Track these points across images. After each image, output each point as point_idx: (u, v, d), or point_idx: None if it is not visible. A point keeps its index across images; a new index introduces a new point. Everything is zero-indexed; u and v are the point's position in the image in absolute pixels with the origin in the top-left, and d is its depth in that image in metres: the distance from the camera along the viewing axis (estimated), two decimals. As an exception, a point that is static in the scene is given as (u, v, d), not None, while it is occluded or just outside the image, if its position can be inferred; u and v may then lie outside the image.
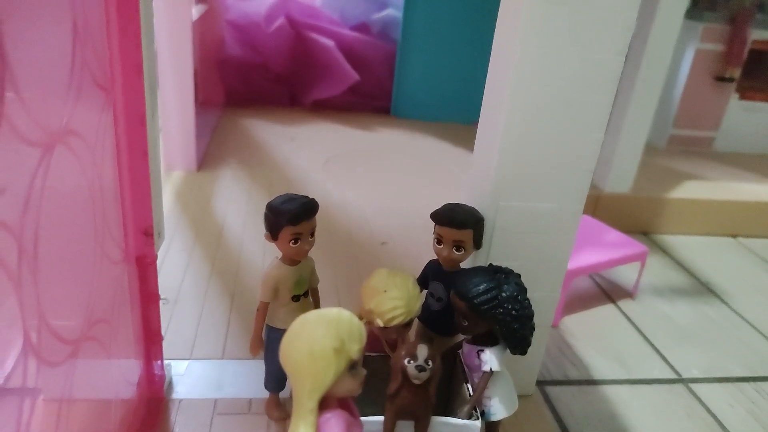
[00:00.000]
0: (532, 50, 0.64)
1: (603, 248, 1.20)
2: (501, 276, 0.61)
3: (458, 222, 0.67)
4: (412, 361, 0.56)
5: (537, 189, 0.70)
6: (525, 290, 0.61)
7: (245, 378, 0.81)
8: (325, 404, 0.50)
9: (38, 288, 0.40)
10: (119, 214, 0.60)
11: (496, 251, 0.72)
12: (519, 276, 0.62)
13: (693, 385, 1.01)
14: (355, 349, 0.49)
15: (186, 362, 0.83)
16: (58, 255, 0.45)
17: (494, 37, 0.70)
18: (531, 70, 0.65)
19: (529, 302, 0.61)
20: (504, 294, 0.59)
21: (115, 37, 0.55)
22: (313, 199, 0.65)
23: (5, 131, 0.35)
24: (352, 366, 0.49)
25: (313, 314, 0.51)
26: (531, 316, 0.61)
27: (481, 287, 0.59)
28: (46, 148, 0.41)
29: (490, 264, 0.64)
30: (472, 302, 0.59)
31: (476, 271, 0.62)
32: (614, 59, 0.66)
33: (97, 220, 0.53)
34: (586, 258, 1.14)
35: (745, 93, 1.93)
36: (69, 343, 0.47)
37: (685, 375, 1.03)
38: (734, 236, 1.64)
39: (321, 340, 0.48)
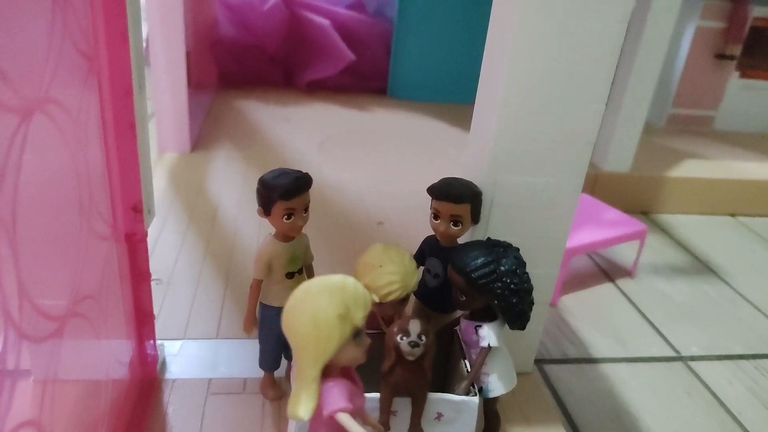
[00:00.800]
0: (531, 17, 0.62)
1: (602, 226, 1.19)
2: (500, 250, 0.59)
3: (455, 196, 0.65)
4: (404, 337, 0.54)
5: (536, 162, 0.69)
6: (524, 264, 0.59)
7: (240, 357, 0.80)
8: (327, 373, 0.49)
9: (18, 263, 0.39)
10: (106, 188, 0.58)
11: (494, 227, 0.71)
12: (518, 250, 0.61)
13: (692, 363, 1.00)
14: (359, 316, 0.48)
15: (180, 342, 0.82)
16: (40, 230, 0.43)
17: (492, 6, 0.68)
18: (530, 39, 0.63)
19: (528, 276, 0.59)
20: (502, 268, 0.58)
21: (98, 3, 0.53)
22: (306, 174, 0.64)
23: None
24: (356, 334, 0.48)
25: (316, 281, 0.50)
26: (530, 290, 0.59)
27: (479, 261, 0.58)
28: (24, 115, 0.39)
29: (489, 238, 0.63)
30: (470, 276, 0.58)
31: (474, 245, 0.61)
32: (616, 27, 0.64)
33: (82, 194, 0.51)
34: (584, 236, 1.13)
35: (745, 71, 1.91)
36: (54, 319, 0.45)
37: (684, 353, 1.02)
38: (733, 215, 1.63)
39: (325, 307, 0.47)
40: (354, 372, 0.52)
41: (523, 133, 0.67)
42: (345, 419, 0.48)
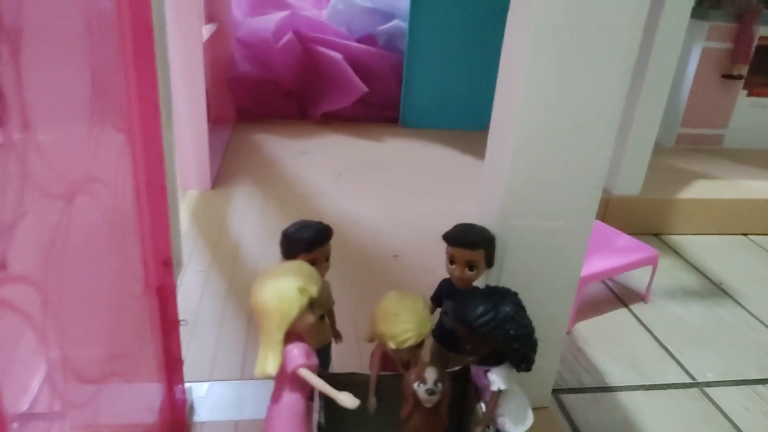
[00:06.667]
0: (538, 74, 0.65)
1: (614, 254, 1.21)
2: (497, 297, 0.62)
3: (470, 242, 0.68)
4: (422, 385, 0.57)
5: (547, 208, 0.72)
6: (523, 308, 0.62)
7: (266, 398, 0.82)
8: (287, 339, 0.60)
9: (63, 334, 0.42)
10: (139, 248, 0.62)
11: (508, 270, 0.74)
12: (516, 294, 0.63)
13: (708, 389, 1.01)
14: (314, 289, 0.61)
15: (206, 384, 0.85)
16: (82, 299, 0.47)
17: (500, 62, 0.72)
18: (537, 94, 0.66)
19: (527, 320, 0.62)
20: (501, 315, 0.60)
21: (132, 83, 0.57)
22: (327, 226, 0.67)
23: (29, 190, 0.37)
24: (311, 304, 0.60)
25: (279, 265, 0.64)
26: (530, 333, 0.62)
27: (479, 311, 0.61)
28: (68, 199, 0.43)
29: (487, 285, 0.66)
30: (471, 326, 0.61)
31: (473, 294, 0.63)
32: (620, 78, 0.67)
33: (119, 258, 0.55)
34: (597, 264, 1.15)
35: (753, 89, 1.92)
36: (92, 382, 0.49)
37: (700, 379, 1.04)
38: (746, 234, 1.64)
39: (287, 282, 0.59)
40: (307, 339, 0.63)
41: (534, 180, 0.70)
42: (306, 373, 0.60)
